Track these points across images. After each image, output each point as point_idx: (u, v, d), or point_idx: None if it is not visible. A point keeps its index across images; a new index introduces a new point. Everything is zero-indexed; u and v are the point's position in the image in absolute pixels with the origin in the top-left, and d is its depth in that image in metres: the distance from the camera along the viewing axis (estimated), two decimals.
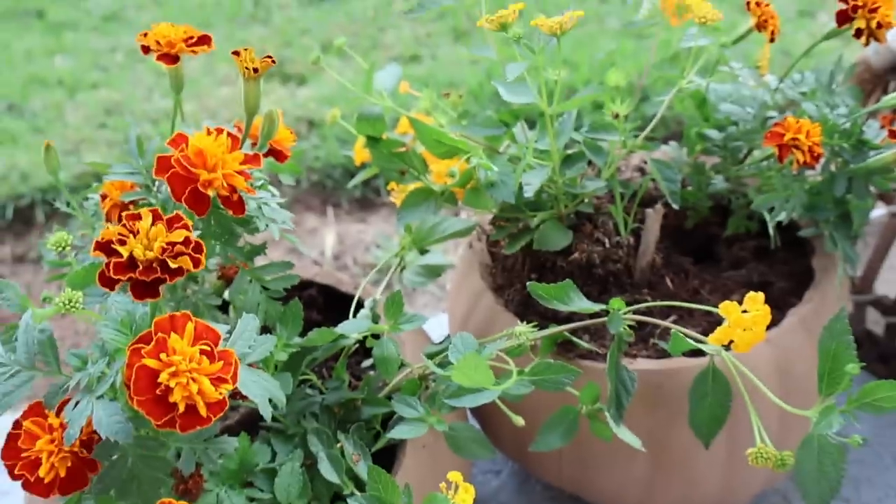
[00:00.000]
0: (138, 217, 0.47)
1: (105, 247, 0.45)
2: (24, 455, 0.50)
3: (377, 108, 0.80)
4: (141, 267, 0.45)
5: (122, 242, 0.45)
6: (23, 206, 1.99)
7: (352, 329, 0.69)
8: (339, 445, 0.67)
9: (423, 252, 0.81)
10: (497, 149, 0.82)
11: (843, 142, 0.74)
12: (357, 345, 0.74)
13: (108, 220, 0.62)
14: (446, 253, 1.62)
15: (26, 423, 0.51)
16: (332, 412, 0.71)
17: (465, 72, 2.12)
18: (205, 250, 0.47)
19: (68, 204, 0.69)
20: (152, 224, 0.46)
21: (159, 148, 0.64)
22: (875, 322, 1.02)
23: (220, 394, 0.47)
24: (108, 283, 0.45)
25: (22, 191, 2.00)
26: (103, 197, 0.63)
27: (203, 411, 0.47)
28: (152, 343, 0.46)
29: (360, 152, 0.88)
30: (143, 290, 0.46)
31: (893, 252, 0.98)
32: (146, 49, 0.66)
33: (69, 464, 0.51)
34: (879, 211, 0.98)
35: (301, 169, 0.72)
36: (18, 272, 1.93)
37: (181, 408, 0.46)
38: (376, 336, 0.72)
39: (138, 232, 0.46)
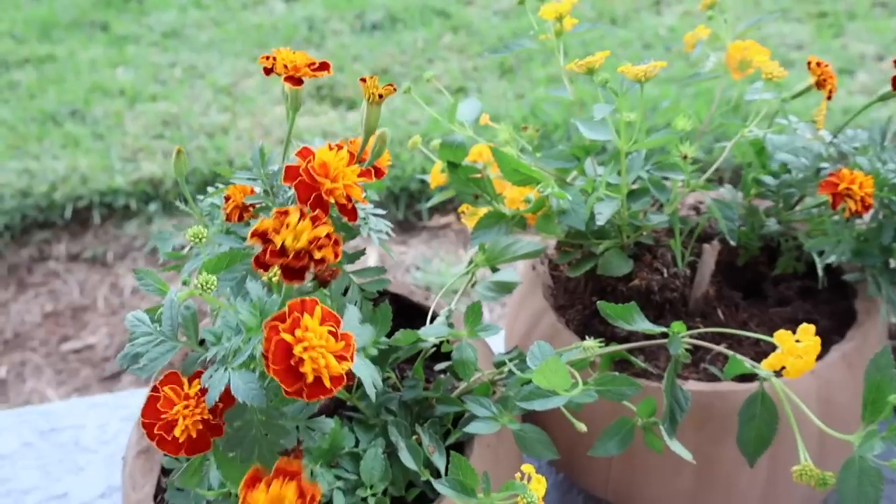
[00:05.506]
0: (286, 213, 0.54)
1: (262, 235, 0.52)
2: (162, 417, 0.57)
3: (460, 137, 0.88)
4: (290, 255, 0.52)
5: (276, 233, 0.52)
6: (81, 207, 2.07)
7: (432, 333, 0.76)
8: (415, 437, 0.73)
9: (494, 270, 0.88)
10: (566, 179, 0.89)
11: (892, 195, 0.81)
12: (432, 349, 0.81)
13: (229, 219, 0.70)
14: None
15: (165, 390, 0.57)
16: (409, 408, 0.77)
17: (510, 106, 2.20)
18: (342, 245, 0.54)
19: (185, 202, 0.76)
20: (299, 220, 0.53)
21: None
22: None
23: (343, 369, 0.54)
24: (263, 265, 0.52)
25: (81, 192, 2.07)
26: (227, 198, 0.70)
27: (328, 383, 0.53)
28: (288, 321, 0.53)
29: (436, 176, 0.95)
30: (292, 274, 0.53)
31: None
32: (269, 71, 0.73)
33: (199, 427, 0.57)
34: None
35: (383, 185, 0.79)
36: (72, 270, 1.99)
37: (310, 378, 0.53)
38: (448, 342, 0.79)
39: (289, 225, 0.53)
